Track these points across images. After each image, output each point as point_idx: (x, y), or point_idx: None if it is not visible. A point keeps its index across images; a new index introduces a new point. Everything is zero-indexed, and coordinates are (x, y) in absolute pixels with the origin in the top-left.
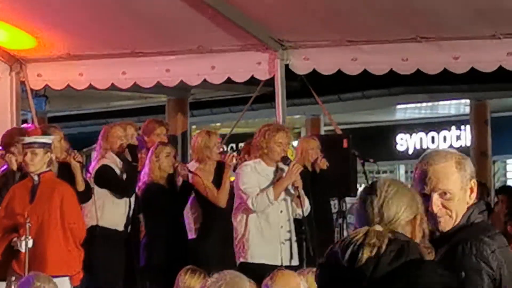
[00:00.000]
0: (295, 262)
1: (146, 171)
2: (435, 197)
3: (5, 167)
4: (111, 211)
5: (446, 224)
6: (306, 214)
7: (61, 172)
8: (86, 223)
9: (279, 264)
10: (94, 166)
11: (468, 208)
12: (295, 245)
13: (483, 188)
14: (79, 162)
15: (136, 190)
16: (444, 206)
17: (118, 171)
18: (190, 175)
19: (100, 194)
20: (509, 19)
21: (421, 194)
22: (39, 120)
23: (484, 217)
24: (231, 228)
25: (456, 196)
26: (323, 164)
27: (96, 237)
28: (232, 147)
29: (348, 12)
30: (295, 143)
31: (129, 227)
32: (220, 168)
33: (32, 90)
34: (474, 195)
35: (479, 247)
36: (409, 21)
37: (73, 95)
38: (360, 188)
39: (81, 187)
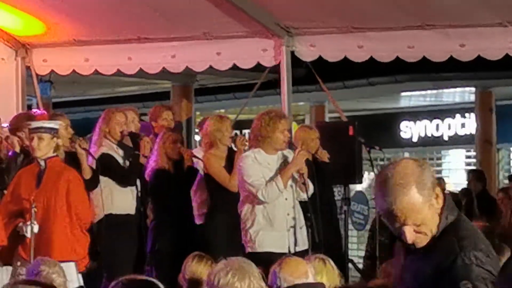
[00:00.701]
0: (304, 246)
1: (154, 157)
2: (408, 229)
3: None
4: (120, 198)
5: (423, 241)
6: (309, 196)
7: (67, 160)
8: (97, 212)
9: (287, 251)
10: (94, 152)
11: (440, 217)
12: (300, 231)
13: (480, 175)
14: (84, 149)
15: (145, 176)
16: (418, 232)
17: (119, 159)
18: (195, 160)
19: (106, 182)
20: None
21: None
22: (43, 106)
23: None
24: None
25: (427, 218)
26: (323, 156)
27: (111, 225)
28: (236, 134)
29: None
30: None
31: (142, 209)
32: (231, 154)
33: (37, 75)
34: (441, 200)
35: (478, 256)
36: (416, 8)
37: (78, 81)
38: (366, 175)
39: (88, 174)
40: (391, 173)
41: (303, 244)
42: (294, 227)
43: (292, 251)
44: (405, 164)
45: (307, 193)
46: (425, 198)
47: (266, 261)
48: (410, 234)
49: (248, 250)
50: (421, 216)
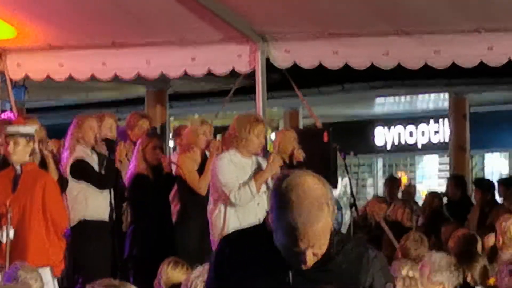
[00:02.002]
0: None
1: (133, 162)
2: (309, 252)
3: None
4: (95, 203)
5: (312, 262)
6: None
7: (41, 164)
8: (71, 217)
9: None
10: (66, 158)
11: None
12: None
13: (459, 181)
14: (51, 152)
15: (123, 181)
16: (315, 255)
17: (94, 165)
18: (174, 166)
19: (81, 187)
20: (491, 14)
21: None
22: (17, 110)
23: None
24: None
25: (327, 240)
26: (299, 155)
27: (84, 230)
28: (214, 141)
29: (330, 5)
30: (273, 135)
31: (114, 216)
32: (205, 161)
33: (11, 80)
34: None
35: (382, 260)
36: (391, 14)
37: (52, 86)
38: (341, 181)
39: (54, 177)
40: (303, 190)
41: None
42: None
43: None
44: (313, 182)
45: None
46: (331, 220)
47: None
48: (310, 258)
49: None
50: (325, 239)
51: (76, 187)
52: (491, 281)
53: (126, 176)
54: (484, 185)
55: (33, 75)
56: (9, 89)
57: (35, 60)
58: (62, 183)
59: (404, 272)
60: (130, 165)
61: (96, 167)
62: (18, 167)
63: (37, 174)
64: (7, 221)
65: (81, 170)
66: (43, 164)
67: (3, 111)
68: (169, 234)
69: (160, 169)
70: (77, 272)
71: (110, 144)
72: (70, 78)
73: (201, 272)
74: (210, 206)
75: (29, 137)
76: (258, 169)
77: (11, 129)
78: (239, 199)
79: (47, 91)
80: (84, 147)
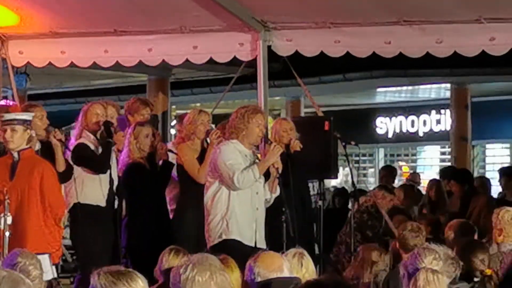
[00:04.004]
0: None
1: (126, 151)
2: None
3: None
4: (91, 188)
5: None
6: (272, 201)
7: (43, 151)
8: (68, 201)
9: (253, 245)
10: (72, 145)
11: None
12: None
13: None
14: (59, 140)
15: (117, 171)
16: None
17: (93, 148)
18: (170, 154)
19: (79, 171)
20: (493, 4)
21: None
22: (19, 98)
23: None
24: None
25: None
26: (296, 145)
27: (79, 214)
28: (212, 128)
29: None
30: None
31: (115, 203)
32: (205, 150)
33: (13, 67)
34: None
35: None
36: (393, 4)
37: (54, 73)
38: (342, 171)
39: (61, 167)
40: None
41: (281, 240)
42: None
43: (261, 246)
44: None
45: (280, 191)
46: None
47: (242, 249)
48: None
49: (223, 237)
50: None
51: (75, 170)
52: (488, 271)
53: (119, 165)
54: (460, 176)
55: (35, 62)
56: (11, 76)
57: (37, 47)
58: (69, 173)
59: (426, 261)
60: (122, 154)
61: (93, 148)
62: (15, 154)
63: (34, 161)
64: (4, 208)
65: (80, 153)
66: (47, 153)
67: (4, 98)
68: (167, 223)
69: (154, 156)
70: (75, 259)
71: (109, 127)
72: (72, 65)
73: (184, 262)
74: (209, 192)
75: (26, 123)
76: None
77: (8, 116)
78: (242, 181)
79: (48, 78)
80: (89, 134)
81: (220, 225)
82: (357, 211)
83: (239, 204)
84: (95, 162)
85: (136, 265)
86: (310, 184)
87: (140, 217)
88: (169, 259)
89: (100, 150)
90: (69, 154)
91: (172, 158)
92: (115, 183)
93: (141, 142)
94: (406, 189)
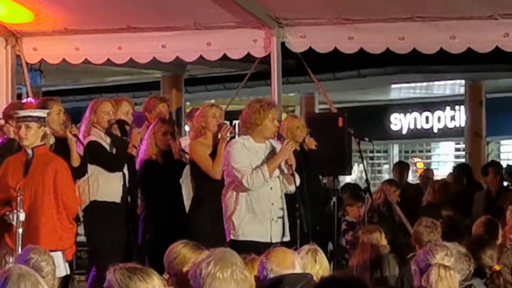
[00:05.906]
0: (286, 238)
1: (144, 147)
2: None
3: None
4: (106, 185)
5: None
6: (294, 191)
7: (57, 147)
8: (83, 199)
9: (269, 241)
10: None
11: None
12: (287, 222)
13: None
14: (74, 135)
15: (136, 166)
16: None
17: (107, 147)
18: (185, 156)
19: (93, 169)
20: (507, 0)
21: None
22: (33, 95)
23: None
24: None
25: None
26: (311, 143)
27: (96, 211)
28: (224, 123)
29: None
30: None
31: (129, 199)
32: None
33: (27, 64)
34: None
35: None
36: (407, 0)
37: (68, 70)
38: (357, 167)
39: (76, 162)
40: None
41: (287, 235)
42: (282, 217)
43: (277, 241)
44: None
45: (295, 184)
46: None
47: (248, 250)
48: None
49: (231, 237)
50: None
51: (89, 168)
52: (497, 267)
53: (137, 160)
54: (457, 170)
55: (49, 59)
56: (25, 73)
57: (51, 44)
58: (83, 169)
59: (438, 257)
60: (140, 149)
61: (108, 148)
62: (30, 151)
63: (48, 158)
64: (17, 204)
65: (93, 151)
66: (61, 148)
67: (19, 95)
68: (182, 219)
69: (170, 154)
70: (89, 255)
71: (123, 126)
72: (86, 62)
73: (206, 256)
74: (224, 190)
75: (41, 120)
76: (272, 153)
77: (22, 113)
78: (252, 184)
79: (63, 75)
80: (98, 131)
81: (228, 224)
82: (369, 210)
83: (250, 202)
84: (110, 161)
85: (153, 261)
86: (324, 181)
87: (156, 214)
88: (178, 250)
89: (112, 148)
90: (81, 148)
91: (186, 159)
92: (127, 178)
93: (158, 139)
94: (436, 186)
